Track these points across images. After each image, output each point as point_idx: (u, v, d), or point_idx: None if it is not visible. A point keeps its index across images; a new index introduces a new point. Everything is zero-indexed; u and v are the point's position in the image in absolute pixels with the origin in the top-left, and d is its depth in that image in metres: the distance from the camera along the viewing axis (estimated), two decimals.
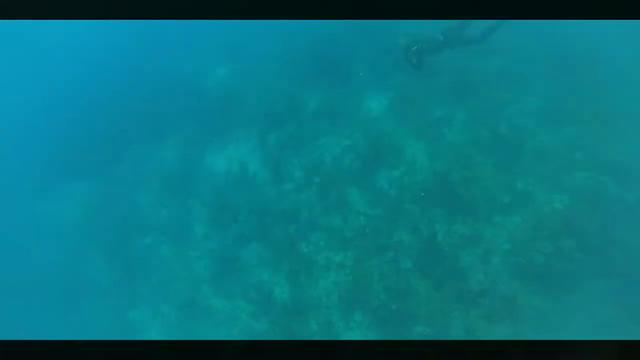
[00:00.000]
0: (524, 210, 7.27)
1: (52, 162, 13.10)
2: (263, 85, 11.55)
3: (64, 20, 15.96)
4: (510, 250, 6.98)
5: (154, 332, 8.87)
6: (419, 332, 6.63)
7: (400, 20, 9.23)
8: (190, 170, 10.94)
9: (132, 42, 15.93)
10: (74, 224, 11.17)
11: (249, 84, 11.78)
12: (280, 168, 9.67)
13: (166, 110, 12.37)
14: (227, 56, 13.25)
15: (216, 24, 14.09)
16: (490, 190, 7.36)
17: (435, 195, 7.88)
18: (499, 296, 6.62)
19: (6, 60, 18.16)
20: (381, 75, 10.30)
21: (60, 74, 16.42)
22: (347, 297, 7.62)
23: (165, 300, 9.05)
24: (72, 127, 13.68)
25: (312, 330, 7.73)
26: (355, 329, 7.59)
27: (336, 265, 8.04)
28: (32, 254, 11.03)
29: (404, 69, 7.37)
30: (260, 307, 8.15)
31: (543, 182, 7.43)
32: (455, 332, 6.31)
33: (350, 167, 9.09)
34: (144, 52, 15.31)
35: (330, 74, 10.68)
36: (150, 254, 9.82)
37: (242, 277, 8.51)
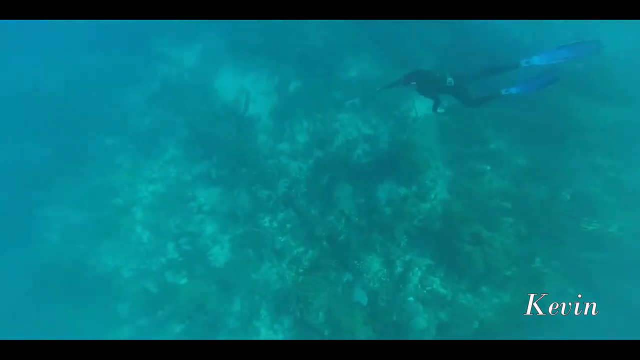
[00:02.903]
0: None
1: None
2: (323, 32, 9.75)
3: None
4: None
5: (55, 235, 8.17)
6: None
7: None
8: (196, 84, 9.78)
9: None
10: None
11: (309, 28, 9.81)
12: (286, 123, 8.47)
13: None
14: None
15: None
16: (497, 261, 6.15)
17: (433, 239, 6.73)
18: None
19: None
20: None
21: None
22: (283, 300, 6.65)
23: (90, 208, 8.15)
24: None
25: (232, 310, 6.89)
26: (279, 332, 6.74)
27: (291, 258, 7.08)
28: None
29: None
30: (187, 258, 7.26)
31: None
32: None
33: (358, 159, 7.90)
34: None
35: (394, 54, 9.01)
36: (105, 156, 8.90)
37: (185, 219, 7.57)
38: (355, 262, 6.71)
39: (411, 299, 6.30)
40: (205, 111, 8.87)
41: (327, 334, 6.22)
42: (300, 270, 6.89)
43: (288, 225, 7.26)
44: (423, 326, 6.02)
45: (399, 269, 6.61)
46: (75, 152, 8.96)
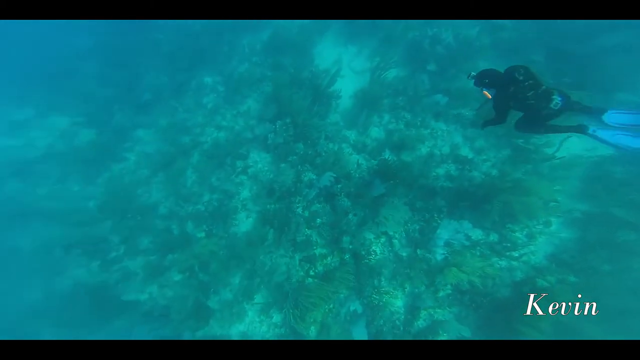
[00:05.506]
0: None
1: None
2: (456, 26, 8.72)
3: None
4: None
5: (132, 156, 9.16)
6: None
7: None
8: (299, 42, 9.60)
9: None
10: None
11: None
12: (365, 110, 7.66)
13: None
14: None
15: None
16: None
17: (487, 309, 5.32)
18: None
19: None
20: None
21: None
22: (282, 295, 6.09)
23: (163, 139, 8.95)
24: None
25: (230, 282, 6.64)
26: (264, 324, 6.16)
27: (306, 256, 6.44)
28: None
29: None
30: (212, 214, 7.23)
31: None
32: None
33: (434, 181, 6.62)
34: None
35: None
36: (197, 93, 9.68)
37: (227, 175, 7.57)
38: (374, 295, 5.51)
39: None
40: (293, 72, 8.68)
41: None
42: (311, 273, 6.11)
43: (318, 221, 6.52)
44: None
45: (421, 322, 5.26)
46: (179, 85, 9.95)
